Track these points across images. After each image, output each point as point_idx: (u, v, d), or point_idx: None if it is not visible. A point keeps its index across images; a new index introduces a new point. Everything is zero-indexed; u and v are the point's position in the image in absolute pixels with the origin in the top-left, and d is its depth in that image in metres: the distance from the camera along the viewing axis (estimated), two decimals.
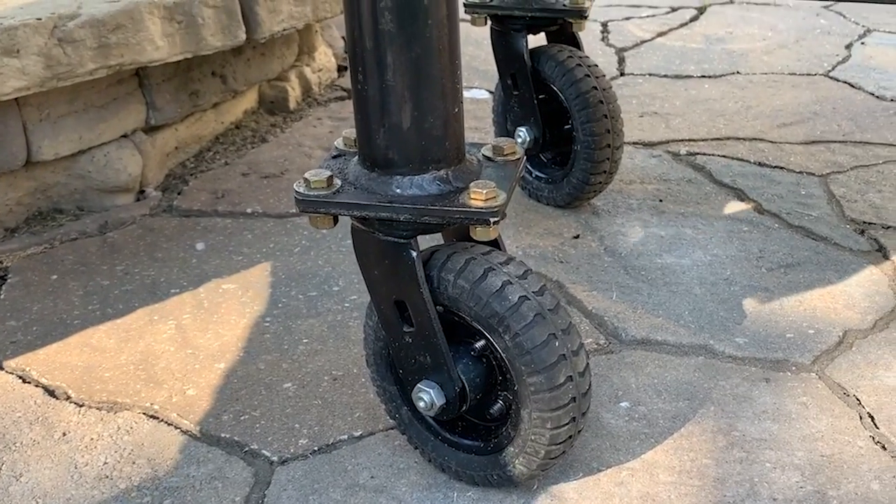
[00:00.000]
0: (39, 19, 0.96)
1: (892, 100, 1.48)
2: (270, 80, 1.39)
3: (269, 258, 1.04)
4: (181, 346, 0.90)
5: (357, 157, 0.67)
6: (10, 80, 0.95)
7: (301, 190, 0.64)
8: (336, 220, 0.66)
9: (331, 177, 0.64)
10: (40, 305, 0.96)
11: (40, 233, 1.09)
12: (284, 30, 1.21)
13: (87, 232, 1.10)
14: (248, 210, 1.14)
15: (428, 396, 0.68)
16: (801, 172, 1.23)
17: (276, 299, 0.97)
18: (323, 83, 1.53)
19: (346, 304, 0.96)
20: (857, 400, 0.81)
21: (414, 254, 0.64)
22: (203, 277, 1.01)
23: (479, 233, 0.63)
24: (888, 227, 1.09)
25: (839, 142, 1.32)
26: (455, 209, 0.62)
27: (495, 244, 0.69)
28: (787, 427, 0.78)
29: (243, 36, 1.14)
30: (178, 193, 1.19)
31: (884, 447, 0.76)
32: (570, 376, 0.65)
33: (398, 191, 0.64)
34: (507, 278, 0.65)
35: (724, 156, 1.29)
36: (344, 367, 0.87)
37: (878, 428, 0.78)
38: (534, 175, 1.15)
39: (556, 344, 0.64)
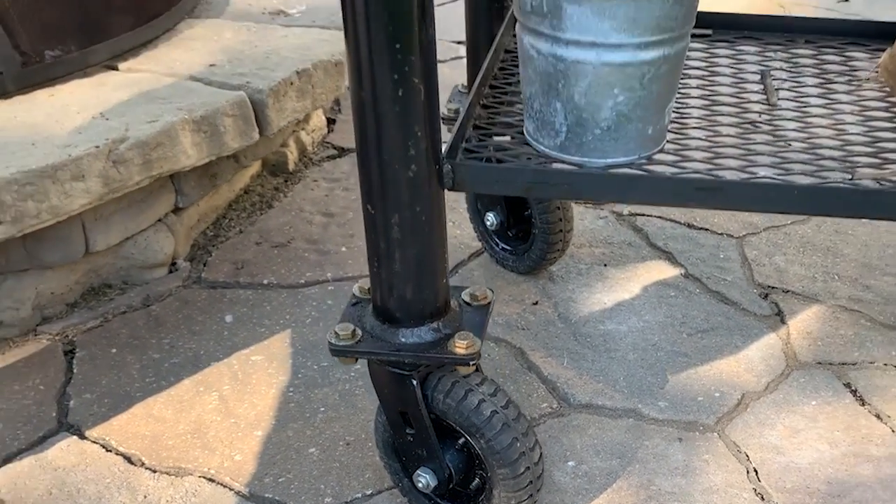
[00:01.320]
0: (98, 147, 1.18)
1: None
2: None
3: (286, 328, 1.28)
4: (225, 415, 1.14)
5: (371, 307, 0.90)
6: (78, 200, 1.17)
7: (333, 341, 0.88)
8: (357, 359, 0.90)
9: (354, 329, 0.88)
10: (107, 379, 1.20)
11: (95, 307, 1.31)
12: (289, 122, 1.43)
13: (133, 305, 1.32)
14: (265, 281, 1.38)
15: (424, 480, 0.93)
16: (721, 234, 1.48)
17: (297, 370, 1.21)
18: (315, 142, 1.75)
19: (353, 374, 1.20)
20: (747, 456, 1.07)
21: (415, 382, 0.89)
22: (234, 349, 1.24)
23: (462, 370, 0.88)
24: (787, 292, 1.34)
25: None
26: (445, 355, 0.87)
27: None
28: (692, 481, 1.03)
29: (256, 136, 1.36)
30: (204, 265, 1.41)
31: (762, 498, 1.01)
32: (528, 467, 0.90)
33: (403, 340, 0.88)
34: (482, 397, 0.89)
35: (659, 216, 1.53)
36: (355, 433, 1.11)
37: (759, 481, 1.04)
38: (500, 247, 1.39)
39: (518, 445, 0.89)
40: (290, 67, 1.41)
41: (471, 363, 0.87)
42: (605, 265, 1.40)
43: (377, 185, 0.81)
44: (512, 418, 0.90)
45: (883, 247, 1.44)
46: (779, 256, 1.42)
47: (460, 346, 0.86)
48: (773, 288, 1.35)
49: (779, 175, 0.87)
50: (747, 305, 1.31)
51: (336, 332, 0.88)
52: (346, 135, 1.79)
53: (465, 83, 1.27)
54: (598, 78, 0.84)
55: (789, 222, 1.51)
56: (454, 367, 0.89)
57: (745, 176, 0.86)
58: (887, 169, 0.87)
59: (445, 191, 0.85)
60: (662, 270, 1.39)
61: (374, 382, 0.92)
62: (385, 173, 0.80)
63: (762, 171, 0.89)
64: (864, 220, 1.47)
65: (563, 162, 0.90)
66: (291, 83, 1.40)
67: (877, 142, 0.92)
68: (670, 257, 1.42)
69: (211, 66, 1.41)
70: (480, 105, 0.99)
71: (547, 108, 0.89)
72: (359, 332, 0.89)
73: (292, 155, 1.65)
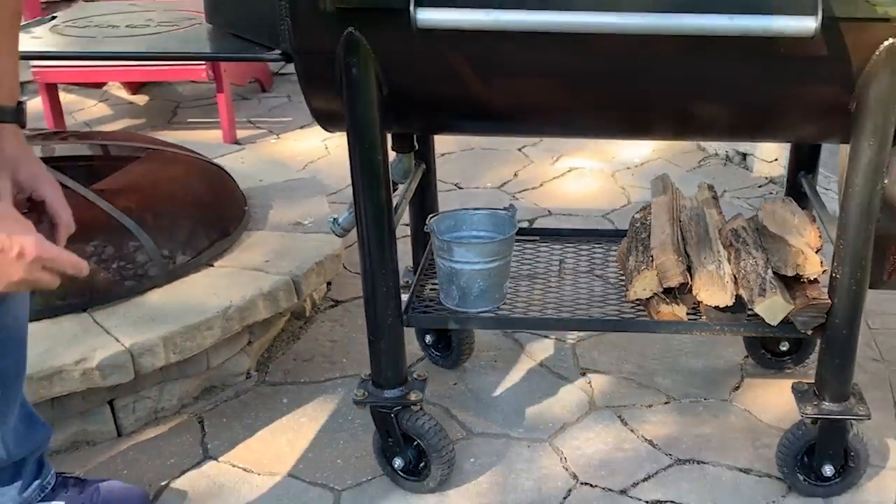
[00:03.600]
0: (217, 312, 2.18)
1: None
2: None
3: (317, 403, 2.26)
4: (292, 445, 2.11)
5: (370, 382, 1.90)
6: (207, 341, 2.16)
7: (354, 399, 1.87)
8: (367, 406, 1.89)
9: (364, 392, 1.88)
10: (224, 433, 2.16)
11: (209, 398, 2.29)
12: (312, 291, 2.45)
13: (229, 396, 2.30)
14: (301, 380, 2.37)
15: (397, 463, 1.91)
16: (563, 341, 2.50)
17: (327, 423, 2.19)
18: (321, 297, 2.76)
19: (359, 422, 2.19)
20: (563, 452, 2.07)
21: (392, 415, 1.88)
22: (289, 416, 2.22)
23: (414, 409, 1.88)
24: (595, 371, 2.36)
25: None
26: (406, 402, 1.86)
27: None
28: (534, 465, 2.03)
29: (295, 300, 2.37)
30: (266, 373, 2.40)
31: (567, 471, 2.01)
32: (447, 455, 1.90)
33: (386, 395, 1.87)
34: (424, 421, 1.89)
35: (529, 332, 2.55)
36: (364, 448, 2.09)
37: (567, 463, 2.03)
38: (434, 354, 2.39)
39: (442, 443, 1.88)
40: (311, 260, 2.43)
41: (417, 406, 1.87)
42: (496, 361, 2.42)
43: (374, 324, 1.83)
44: (439, 431, 1.89)
45: (652, 345, 2.47)
46: (594, 352, 2.44)
47: (413, 397, 1.87)
48: (588, 369, 2.37)
49: (558, 313, 1.91)
50: (572, 378, 2.33)
51: (356, 394, 1.88)
52: (339, 292, 2.80)
53: (411, 265, 2.30)
54: (470, 275, 1.88)
55: (603, 332, 2.54)
56: (410, 407, 1.89)
57: (538, 314, 1.90)
58: (618, 308, 1.92)
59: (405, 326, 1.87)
60: (527, 363, 2.41)
61: (373, 418, 1.91)
62: (379, 318, 1.82)
63: (549, 311, 1.93)
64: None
65: (458, 312, 1.93)
66: (312, 269, 2.42)
67: (609, 295, 1.97)
68: (533, 355, 2.44)
69: (266, 261, 2.43)
70: (418, 284, 2.03)
71: (448, 287, 1.92)
72: (366, 393, 1.89)
73: (308, 306, 2.66)
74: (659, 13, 1.50)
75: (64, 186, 2.26)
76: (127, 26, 1.87)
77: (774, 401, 2.22)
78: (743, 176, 3.51)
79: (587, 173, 3.59)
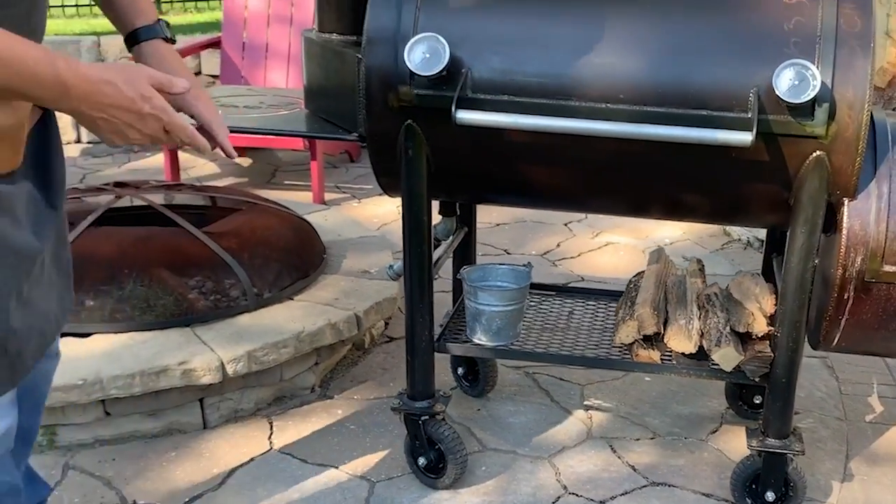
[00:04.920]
0: (293, 335, 2.67)
1: None
2: None
3: (366, 412, 2.72)
4: (348, 440, 2.57)
5: (406, 396, 2.35)
6: (284, 356, 2.65)
7: (392, 406, 2.32)
8: (401, 413, 2.34)
9: (400, 402, 2.33)
10: (292, 430, 2.63)
11: (281, 406, 2.77)
12: (371, 325, 2.92)
13: (297, 405, 2.77)
14: (355, 396, 2.83)
15: (422, 462, 2.34)
16: (573, 382, 2.92)
17: (373, 427, 2.64)
18: (378, 332, 3.23)
19: (396, 424, 2.63)
20: (557, 467, 2.47)
21: (420, 421, 2.32)
22: (344, 421, 2.68)
23: (437, 417, 2.33)
24: (598, 408, 2.76)
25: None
26: (433, 412, 2.31)
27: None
28: (538, 475, 2.44)
29: (356, 331, 2.85)
30: (327, 389, 2.87)
31: (559, 482, 2.42)
32: (461, 458, 2.33)
33: (417, 405, 2.32)
34: (446, 429, 2.32)
35: (544, 373, 2.97)
36: (398, 446, 2.53)
37: (561, 477, 2.44)
38: (464, 384, 2.83)
39: (458, 447, 2.32)
40: (372, 300, 2.91)
41: (440, 416, 2.31)
42: (515, 394, 2.84)
43: (411, 347, 2.29)
44: (456, 438, 2.33)
45: (649, 391, 2.87)
46: (599, 393, 2.85)
47: (438, 408, 2.31)
48: (591, 406, 2.78)
49: (558, 350, 2.34)
50: (577, 413, 2.74)
51: (394, 403, 2.33)
52: (394, 330, 3.26)
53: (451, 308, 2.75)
54: (490, 315, 2.33)
55: (609, 378, 2.94)
56: (435, 416, 2.33)
57: (541, 350, 2.34)
58: (607, 350, 2.35)
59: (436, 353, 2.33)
60: (541, 397, 2.82)
61: (405, 423, 2.35)
62: (415, 343, 2.28)
63: (552, 349, 2.37)
64: (641, 376, 2.91)
65: (479, 344, 2.37)
66: (372, 308, 2.89)
67: (603, 341, 2.40)
68: (546, 393, 2.86)
69: (336, 299, 2.92)
70: (451, 321, 2.48)
71: (473, 324, 2.37)
72: (402, 403, 2.34)
73: (367, 339, 3.14)
74: (634, 123, 1.96)
75: (180, 227, 2.82)
76: (245, 106, 2.40)
77: (745, 445, 2.59)
78: (759, 258, 3.88)
79: (622, 248, 4.02)
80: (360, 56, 2.08)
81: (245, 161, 5.23)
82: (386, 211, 4.40)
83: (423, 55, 1.96)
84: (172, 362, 2.51)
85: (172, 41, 1.52)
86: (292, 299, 2.91)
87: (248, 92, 2.80)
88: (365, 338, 3.12)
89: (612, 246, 4.04)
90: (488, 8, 2.05)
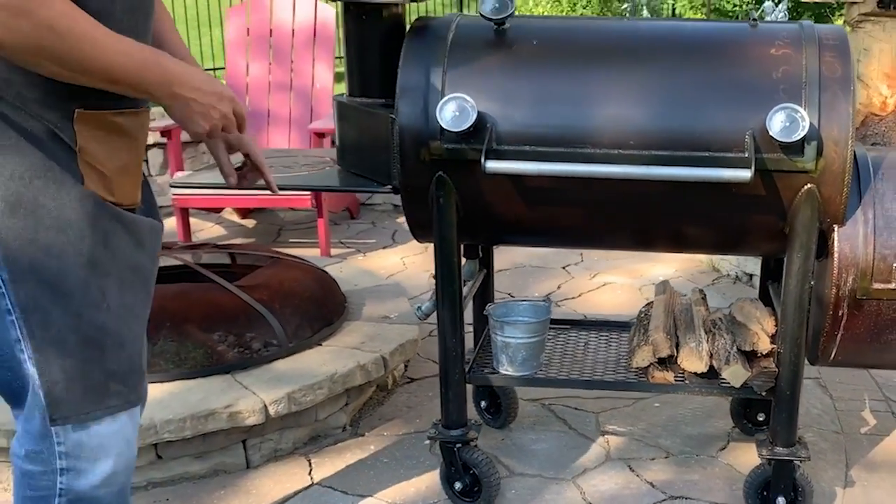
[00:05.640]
0: (327, 377, 2.83)
1: None
2: None
3: (397, 444, 2.87)
4: (382, 472, 2.72)
5: (440, 425, 2.52)
6: (319, 397, 2.81)
7: (427, 436, 2.49)
8: (436, 441, 2.50)
9: (434, 431, 2.49)
10: (326, 466, 2.78)
11: (316, 444, 2.91)
12: (395, 366, 3.09)
13: (330, 443, 2.93)
14: (384, 433, 2.98)
15: (457, 486, 2.49)
16: (588, 411, 3.09)
17: (406, 459, 2.79)
18: (400, 374, 3.40)
19: (430, 458, 2.78)
20: (582, 489, 2.64)
21: (456, 448, 2.48)
22: (376, 455, 2.83)
23: (472, 444, 2.49)
24: (614, 433, 2.94)
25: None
26: (465, 439, 2.48)
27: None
28: (560, 497, 2.61)
29: (383, 372, 3.01)
30: (358, 427, 3.03)
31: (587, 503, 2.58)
32: (494, 481, 2.49)
33: (452, 433, 2.48)
34: (479, 454, 2.49)
35: (561, 404, 3.14)
36: (433, 473, 2.68)
37: (587, 498, 2.60)
38: (486, 417, 3.00)
39: (491, 471, 2.48)
40: (396, 342, 3.08)
41: (473, 442, 2.48)
42: (535, 424, 3.01)
43: (444, 380, 2.46)
44: (489, 463, 2.49)
45: (659, 415, 3.04)
46: (613, 419, 3.03)
47: (471, 435, 2.48)
48: (607, 431, 2.95)
49: (580, 376, 2.53)
50: (594, 438, 2.91)
51: (430, 432, 2.50)
52: (414, 371, 3.42)
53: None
54: (515, 347, 2.51)
55: (621, 406, 3.12)
56: (469, 443, 2.50)
57: (564, 377, 2.52)
58: (624, 375, 2.53)
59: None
60: (559, 426, 2.99)
61: (441, 450, 2.51)
62: (449, 375, 2.45)
63: (573, 376, 2.55)
64: (651, 402, 3.09)
65: (507, 374, 2.55)
66: (396, 350, 3.06)
67: (620, 367, 2.58)
68: (563, 422, 3.02)
69: (362, 342, 3.09)
70: (478, 355, 2.66)
71: (500, 356, 2.55)
72: (437, 431, 2.50)
73: (390, 381, 3.30)
74: (644, 165, 2.16)
75: (214, 282, 2.98)
76: (283, 166, 2.59)
77: (752, 459, 2.75)
78: (748, 292, 4.11)
79: (619, 287, 4.22)
80: (392, 116, 2.28)
81: (249, 223, 5.41)
82: (391, 263, 4.59)
83: (452, 113, 2.17)
84: (219, 406, 2.66)
85: None
86: (321, 345, 3.07)
87: (277, 153, 3.00)
88: (388, 379, 3.28)
89: (610, 286, 4.24)
90: (507, 69, 2.27)
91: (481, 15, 2.24)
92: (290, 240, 5.11)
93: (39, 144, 1.38)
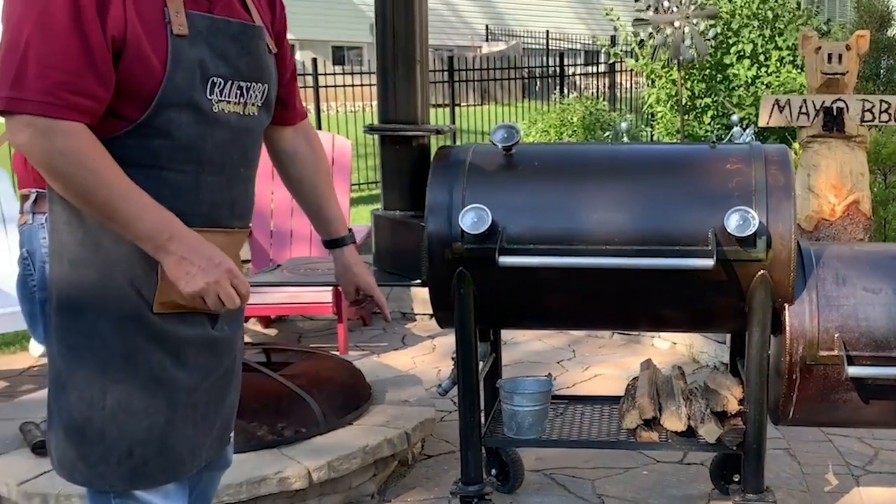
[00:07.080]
0: (360, 449, 3.22)
1: None
2: None
3: (428, 492, 3.23)
4: (410, 491, 3.07)
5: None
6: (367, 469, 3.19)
7: (453, 491, 2.86)
8: None
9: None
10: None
11: (363, 502, 3.27)
12: (415, 444, 3.47)
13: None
14: (408, 500, 3.34)
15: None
16: (583, 479, 3.46)
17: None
18: (417, 451, 3.77)
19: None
20: (599, 495, 3.00)
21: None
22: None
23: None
24: (611, 496, 3.31)
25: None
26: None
27: None
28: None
29: (407, 446, 3.40)
30: (384, 495, 3.39)
31: None
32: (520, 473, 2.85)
33: (470, 489, 2.86)
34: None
35: (562, 473, 3.51)
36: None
37: None
38: (496, 483, 3.37)
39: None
40: (417, 420, 3.47)
41: (489, 496, 2.85)
42: (538, 489, 3.38)
43: (464, 442, 2.85)
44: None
45: (647, 480, 3.42)
46: (606, 484, 3.39)
47: (487, 490, 2.85)
48: (601, 494, 3.31)
49: (577, 438, 2.93)
50: (591, 500, 3.27)
51: (451, 489, 2.87)
52: (430, 449, 3.79)
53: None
54: (523, 415, 2.92)
55: (614, 473, 3.48)
56: (484, 497, 2.86)
57: (564, 439, 2.92)
58: (616, 436, 2.93)
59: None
60: (560, 491, 3.35)
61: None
62: (467, 439, 2.85)
63: (573, 437, 2.95)
64: (640, 469, 3.46)
65: (513, 439, 2.95)
66: (417, 427, 3.45)
67: (611, 431, 2.98)
68: (563, 487, 3.38)
69: (387, 421, 3.47)
70: (490, 423, 3.06)
71: (510, 423, 2.95)
72: (457, 487, 2.87)
73: (410, 457, 3.67)
74: (626, 257, 2.63)
75: (263, 374, 3.40)
76: (313, 269, 3.05)
77: None
78: None
79: (608, 378, 4.63)
80: (422, 224, 2.75)
81: (272, 331, 5.83)
82: (403, 362, 4.99)
83: (472, 220, 2.64)
84: (269, 472, 3.04)
85: (356, 244, 1.99)
86: (352, 424, 3.46)
87: (310, 262, 3.46)
88: (409, 455, 3.66)
89: (601, 376, 4.66)
90: (515, 184, 2.76)
91: (492, 143, 2.74)
92: (311, 345, 5.52)
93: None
